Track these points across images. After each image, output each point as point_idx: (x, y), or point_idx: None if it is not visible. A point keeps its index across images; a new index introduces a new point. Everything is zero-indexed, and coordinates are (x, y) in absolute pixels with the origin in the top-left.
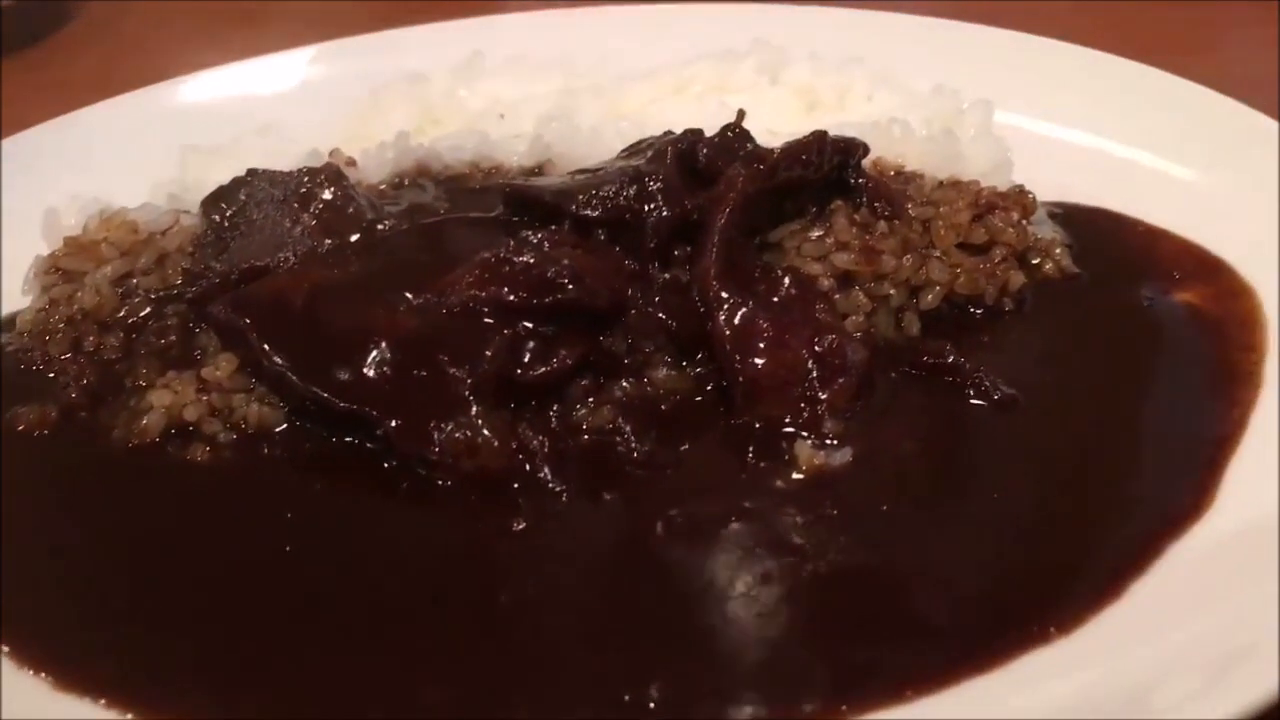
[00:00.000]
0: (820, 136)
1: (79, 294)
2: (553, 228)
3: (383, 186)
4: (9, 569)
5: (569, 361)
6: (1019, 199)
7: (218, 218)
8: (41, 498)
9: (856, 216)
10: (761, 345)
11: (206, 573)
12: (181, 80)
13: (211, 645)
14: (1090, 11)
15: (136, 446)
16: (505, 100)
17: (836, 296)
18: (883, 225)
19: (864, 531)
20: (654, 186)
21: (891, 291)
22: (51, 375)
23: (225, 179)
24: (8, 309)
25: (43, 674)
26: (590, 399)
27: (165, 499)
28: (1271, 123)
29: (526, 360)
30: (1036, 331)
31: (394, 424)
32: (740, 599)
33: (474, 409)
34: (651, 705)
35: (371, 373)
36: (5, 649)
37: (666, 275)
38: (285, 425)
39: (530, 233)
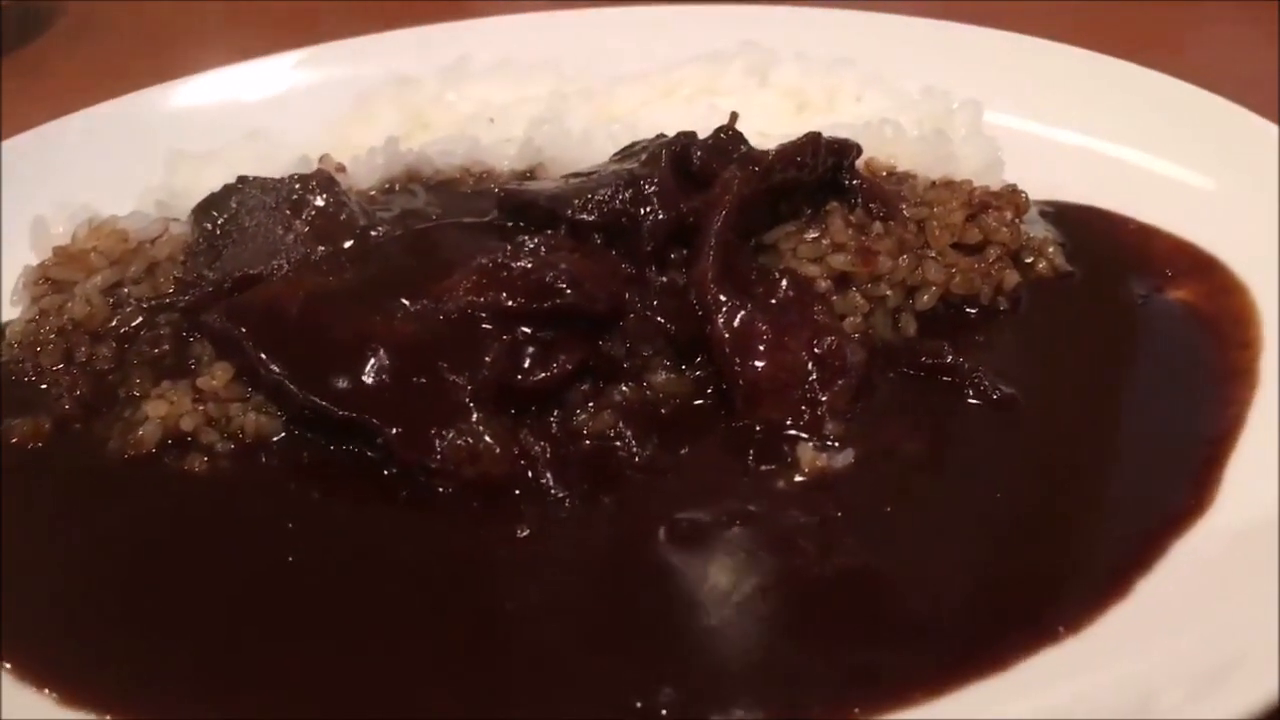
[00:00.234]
0: (815, 138)
1: (69, 304)
2: (549, 232)
3: (373, 192)
4: (8, 585)
5: (569, 366)
6: (1012, 198)
7: (209, 225)
8: (38, 511)
9: (852, 218)
10: (761, 348)
11: (208, 585)
12: (166, 86)
13: (214, 658)
14: (1065, 11)
15: (133, 458)
16: (494, 104)
17: (834, 298)
18: (878, 226)
19: (868, 533)
20: (649, 190)
21: (888, 292)
22: (44, 387)
23: (214, 186)
24: None
25: (46, 690)
26: (590, 404)
27: (164, 510)
28: (1260, 120)
29: (526, 366)
30: (1032, 330)
31: (395, 432)
32: (747, 603)
33: (475, 415)
34: (663, 712)
35: (370, 380)
36: (7, 665)
37: (663, 279)
38: (283, 434)
39: (527, 237)
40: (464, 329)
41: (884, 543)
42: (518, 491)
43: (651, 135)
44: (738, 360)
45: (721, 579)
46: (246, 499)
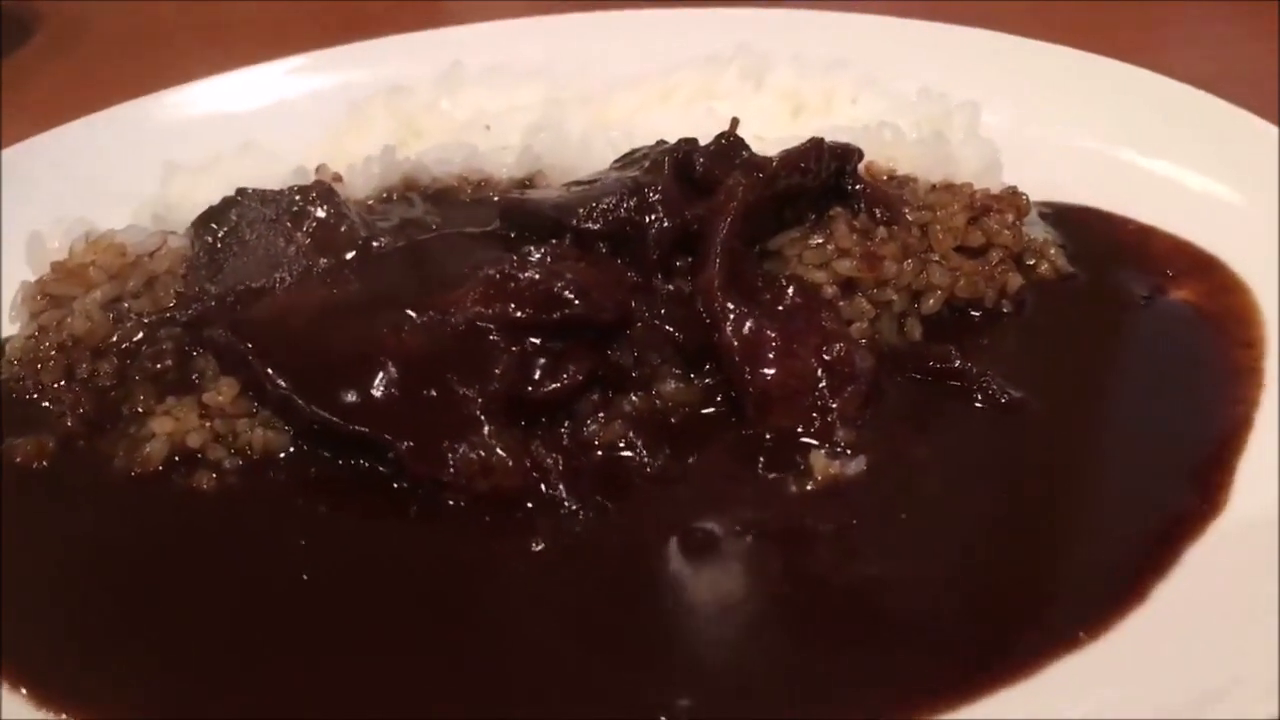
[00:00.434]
0: (818, 143)
1: (69, 320)
2: (554, 241)
3: (370, 202)
4: (18, 608)
5: (579, 377)
6: (1012, 200)
7: (209, 239)
8: (46, 532)
9: (856, 223)
10: (770, 355)
11: (223, 604)
12: (156, 97)
13: (231, 676)
14: (1057, 11)
15: (139, 475)
16: (489, 111)
17: (840, 304)
18: (882, 231)
19: (884, 541)
20: (654, 198)
21: (893, 297)
22: (46, 405)
23: (209, 197)
24: None
25: (62, 716)
26: (600, 414)
27: (174, 528)
28: (1257, 120)
29: (536, 377)
30: (1036, 333)
31: (407, 446)
32: (765, 613)
33: (486, 428)
34: None
35: (379, 394)
36: (22, 690)
37: (670, 287)
38: (291, 449)
39: (533, 248)
40: (472, 341)
41: (899, 550)
42: (529, 504)
43: (650, 141)
44: (748, 368)
45: (739, 589)
46: (257, 515)
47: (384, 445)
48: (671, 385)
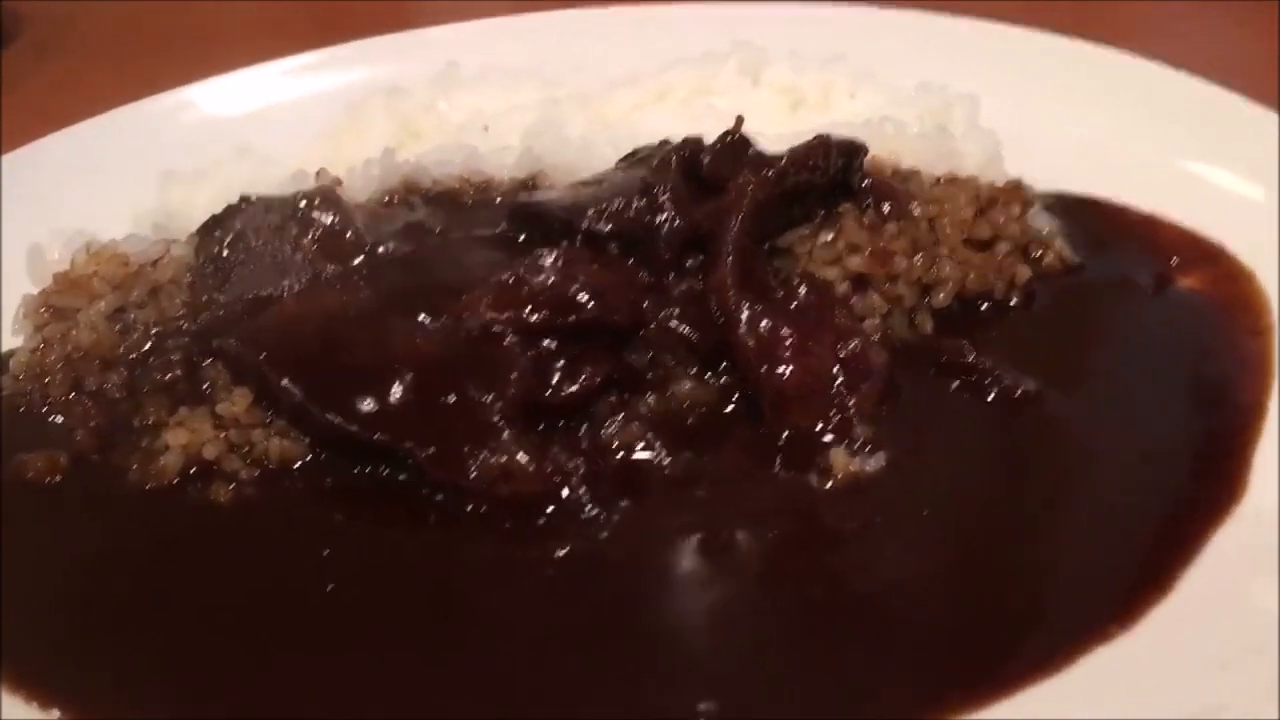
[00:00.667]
0: (825, 140)
1: (74, 332)
2: (564, 244)
3: (371, 205)
4: (42, 625)
5: (596, 380)
6: (1017, 193)
7: (214, 247)
8: (63, 549)
9: (864, 218)
10: (786, 354)
11: (248, 616)
12: (145, 103)
13: (260, 689)
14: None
15: (154, 489)
16: (487, 111)
17: (853, 300)
18: (891, 226)
19: (909, 537)
20: (663, 198)
21: (904, 292)
22: (54, 419)
23: (208, 204)
24: None
25: None
26: (618, 417)
27: (194, 541)
28: (1256, 106)
29: (554, 381)
30: (1046, 324)
31: (427, 453)
32: (796, 612)
33: (506, 433)
34: None
35: (396, 402)
36: (55, 713)
37: (682, 287)
38: (308, 457)
39: (544, 251)
40: (487, 346)
41: (925, 546)
42: (550, 509)
43: (650, 140)
44: (764, 367)
45: (767, 590)
46: (277, 526)
47: (404, 453)
48: (687, 385)
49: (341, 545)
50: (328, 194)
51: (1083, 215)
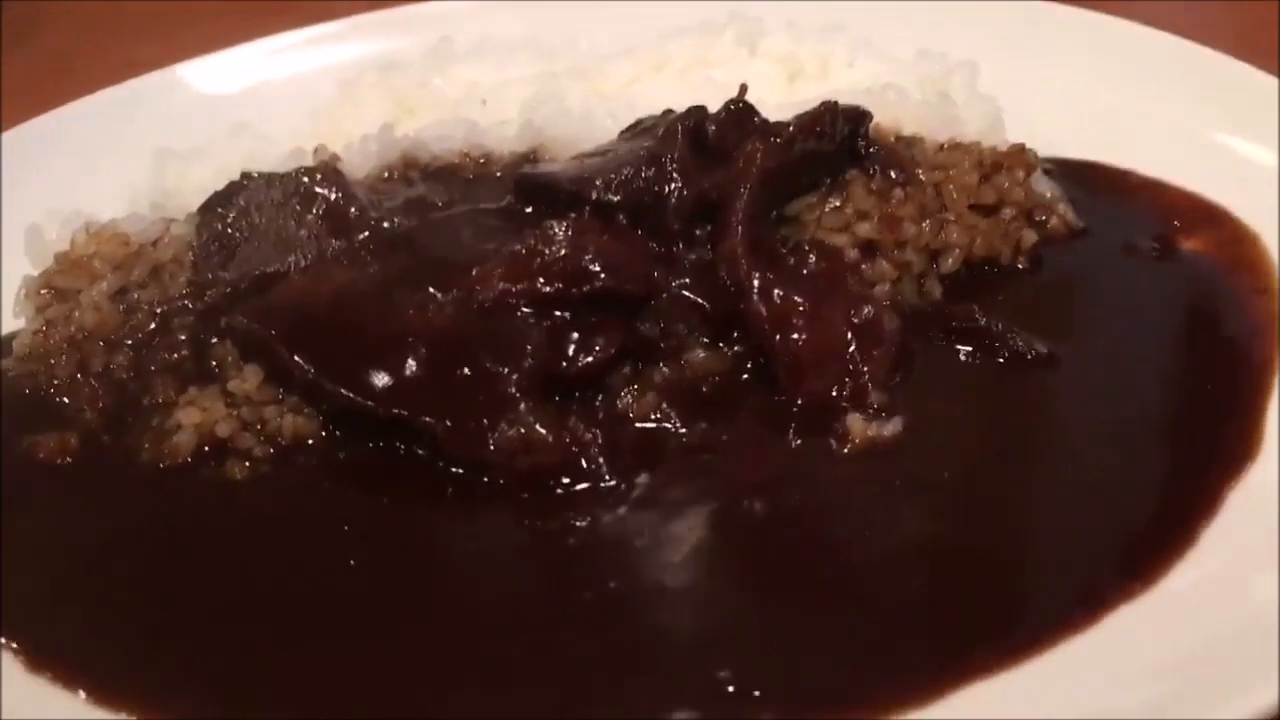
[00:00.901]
0: (831, 107)
1: (76, 313)
2: (573, 215)
3: (370, 181)
4: (61, 607)
5: (611, 350)
6: (1020, 157)
7: (218, 224)
8: (80, 530)
9: (872, 185)
10: (799, 321)
11: (273, 594)
12: (137, 82)
13: (285, 669)
14: None
15: (168, 468)
16: (483, 85)
17: (863, 267)
18: (899, 192)
19: (931, 501)
20: (671, 167)
21: (913, 258)
22: (62, 400)
23: (205, 183)
24: None
25: (121, 714)
26: (633, 387)
27: (213, 519)
28: (1252, 69)
29: (570, 353)
30: (1054, 288)
31: (446, 427)
32: (826, 578)
33: (523, 405)
34: (755, 693)
35: (411, 376)
36: (80, 693)
37: (692, 256)
38: (322, 434)
39: (554, 222)
40: (501, 318)
41: (949, 509)
42: (567, 480)
43: (650, 111)
44: (778, 335)
45: (794, 557)
46: (295, 502)
47: (421, 427)
48: (700, 355)
49: (361, 520)
50: (328, 170)
51: (1083, 179)
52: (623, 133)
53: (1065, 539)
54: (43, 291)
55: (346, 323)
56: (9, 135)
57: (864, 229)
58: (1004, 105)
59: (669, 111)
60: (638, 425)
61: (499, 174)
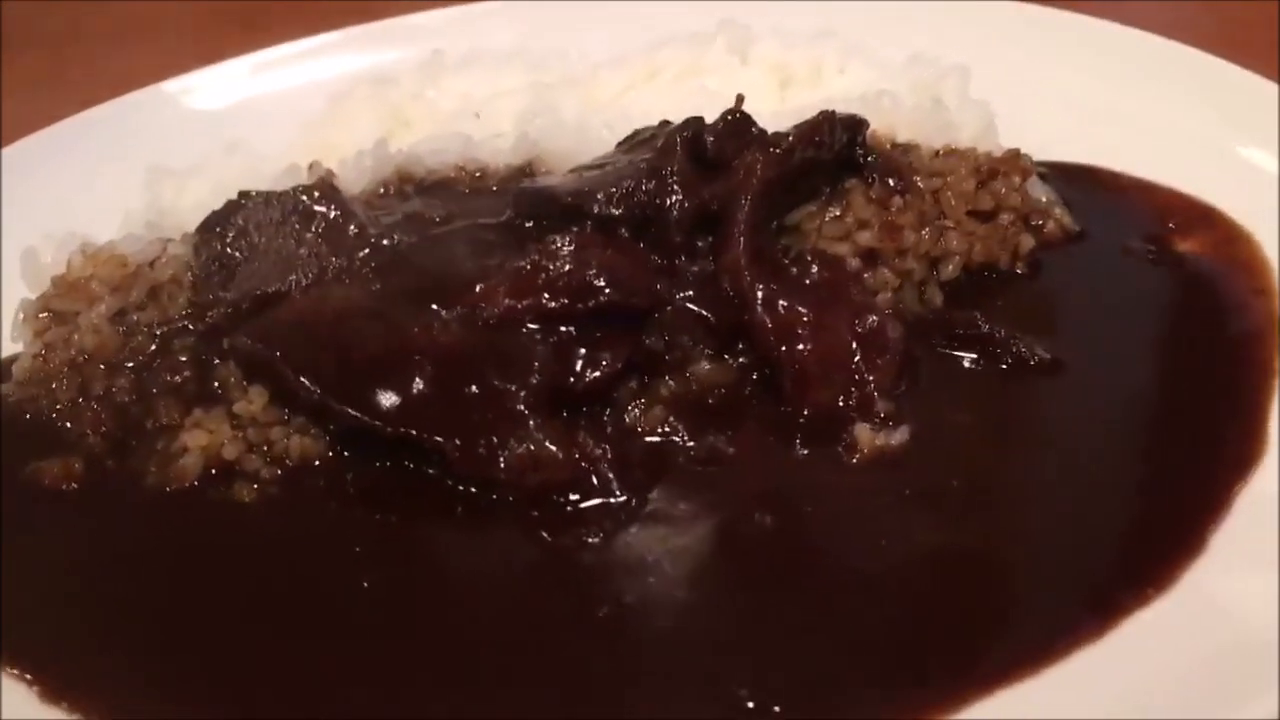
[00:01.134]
0: (829, 116)
1: (76, 336)
2: (575, 229)
3: (365, 197)
4: (74, 633)
5: (618, 364)
6: (1016, 162)
7: (217, 244)
8: (89, 556)
9: (871, 193)
10: (803, 332)
11: (287, 615)
12: (120, 101)
13: (301, 690)
14: None
15: (175, 491)
16: (475, 98)
17: (865, 275)
18: (898, 200)
19: (942, 509)
20: (672, 179)
21: (914, 265)
22: (64, 424)
23: (200, 202)
24: None
25: None
26: (641, 400)
27: (223, 542)
28: (1237, 69)
29: (578, 368)
30: (1053, 292)
31: (455, 446)
32: (843, 586)
33: (532, 421)
34: (775, 708)
35: (418, 394)
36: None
37: (694, 268)
38: (329, 454)
39: (557, 237)
40: (507, 335)
41: (959, 517)
42: (577, 496)
43: (644, 122)
44: (783, 346)
45: (811, 565)
46: (305, 523)
47: (431, 446)
48: (705, 367)
49: (372, 540)
50: (325, 187)
51: (1075, 183)
52: (619, 144)
53: (1074, 546)
54: (41, 315)
55: (351, 342)
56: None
57: (865, 237)
58: (994, 109)
59: (665, 122)
60: (646, 439)
61: (495, 187)
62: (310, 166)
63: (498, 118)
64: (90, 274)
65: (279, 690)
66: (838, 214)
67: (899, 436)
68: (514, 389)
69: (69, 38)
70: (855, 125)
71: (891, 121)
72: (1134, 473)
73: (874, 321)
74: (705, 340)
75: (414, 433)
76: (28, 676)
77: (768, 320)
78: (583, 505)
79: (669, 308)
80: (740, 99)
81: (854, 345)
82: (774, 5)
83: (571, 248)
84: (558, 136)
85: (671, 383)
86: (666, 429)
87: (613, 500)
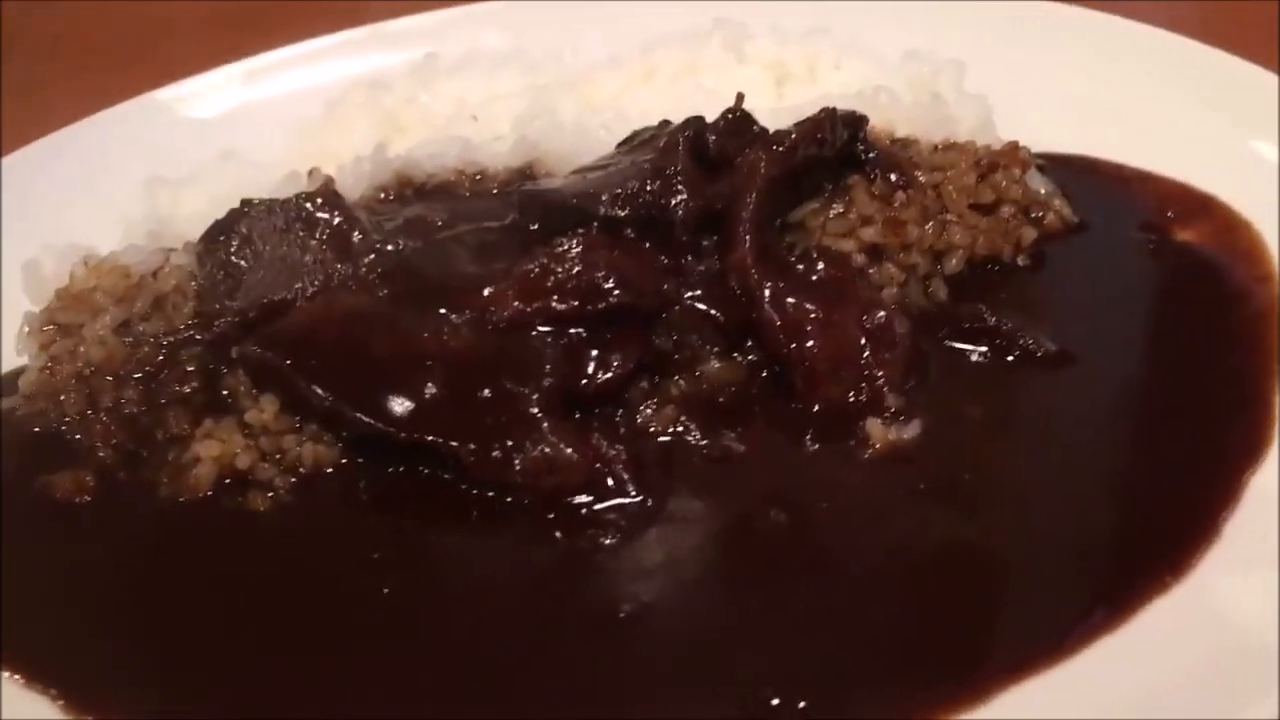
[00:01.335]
0: (830, 113)
1: (82, 348)
2: (580, 231)
3: (365, 202)
4: (92, 644)
5: (629, 365)
6: (1015, 155)
7: (221, 254)
8: (106, 569)
9: (874, 189)
10: (811, 329)
11: (310, 625)
12: (114, 111)
13: (331, 701)
14: None
15: (188, 501)
16: (471, 101)
17: (871, 271)
18: (900, 195)
19: (957, 503)
20: (676, 179)
21: (918, 260)
22: (73, 437)
23: (200, 211)
24: None
25: None
26: (652, 400)
27: (240, 551)
28: (1234, 59)
29: (590, 370)
30: (1057, 284)
31: (470, 450)
32: (864, 582)
33: (546, 424)
34: (801, 704)
35: (431, 400)
36: None
37: (700, 268)
38: (343, 461)
39: (564, 239)
40: (518, 338)
41: (972, 510)
42: (592, 498)
43: (642, 122)
44: (792, 343)
45: (828, 561)
46: (322, 530)
47: (445, 452)
48: (715, 365)
49: (389, 546)
50: (328, 194)
51: (1073, 174)
52: (619, 145)
53: (1089, 535)
54: (45, 328)
55: (361, 348)
56: None
57: (869, 233)
58: (991, 103)
59: (665, 122)
60: (658, 439)
61: (495, 190)
62: (310, 173)
63: (495, 120)
64: (94, 285)
65: (301, 699)
66: (841, 210)
67: (910, 431)
68: (526, 392)
69: (65, 44)
70: (856, 121)
71: (890, 117)
72: (1144, 462)
73: (881, 317)
74: (714, 339)
75: (428, 438)
76: (52, 691)
77: (776, 318)
78: (598, 506)
79: (677, 307)
80: (740, 97)
81: (862, 341)
82: (768, 4)
83: (579, 250)
84: (556, 138)
85: (682, 382)
86: (678, 428)
87: (628, 501)
